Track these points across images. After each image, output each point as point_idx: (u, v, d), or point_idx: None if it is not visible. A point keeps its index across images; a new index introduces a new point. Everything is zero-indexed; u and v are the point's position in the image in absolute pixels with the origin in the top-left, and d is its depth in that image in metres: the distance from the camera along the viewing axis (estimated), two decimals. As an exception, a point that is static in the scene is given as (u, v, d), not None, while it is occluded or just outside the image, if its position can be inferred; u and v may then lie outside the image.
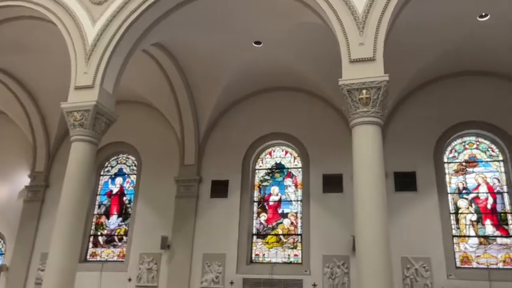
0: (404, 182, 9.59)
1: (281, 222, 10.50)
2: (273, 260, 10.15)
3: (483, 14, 8.05)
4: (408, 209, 9.44)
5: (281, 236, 10.37)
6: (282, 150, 11.19)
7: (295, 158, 11.00)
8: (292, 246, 10.22)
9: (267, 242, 10.42)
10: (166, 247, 10.39)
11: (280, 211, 10.62)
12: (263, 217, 10.67)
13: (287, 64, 9.97)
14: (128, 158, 12.14)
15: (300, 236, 10.19)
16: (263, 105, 11.25)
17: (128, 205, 11.60)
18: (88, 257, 11.31)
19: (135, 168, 11.89)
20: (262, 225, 10.62)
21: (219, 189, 10.77)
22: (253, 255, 10.35)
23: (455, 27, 8.42)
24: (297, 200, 10.56)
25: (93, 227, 11.58)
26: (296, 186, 10.73)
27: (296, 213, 10.47)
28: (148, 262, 10.47)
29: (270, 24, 8.51)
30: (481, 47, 9.01)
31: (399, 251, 9.00)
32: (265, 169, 11.13)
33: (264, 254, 10.32)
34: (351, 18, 6.47)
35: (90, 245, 11.45)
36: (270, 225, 10.56)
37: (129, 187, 11.82)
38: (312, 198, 10.19)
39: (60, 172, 9.50)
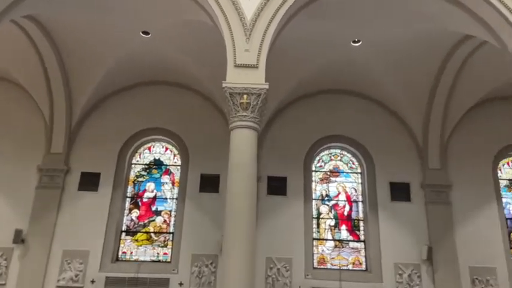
0: (276, 186, 10.15)
1: (153, 220, 10.25)
2: (141, 258, 9.85)
3: (356, 39, 8.93)
4: (277, 212, 10.00)
5: (152, 234, 10.12)
6: (162, 147, 10.95)
7: (175, 156, 10.85)
8: (162, 245, 10.04)
9: (137, 240, 10.07)
10: (20, 241, 9.37)
11: (154, 208, 10.36)
12: (135, 213, 10.29)
13: (174, 59, 9.79)
14: (-18, 139, 10.63)
15: (171, 235, 10.06)
16: (146, 98, 10.88)
17: (-23, 193, 10.16)
18: None
19: (-11, 151, 10.48)
20: (133, 222, 10.23)
21: (89, 181, 10.08)
22: (120, 253, 9.91)
23: (332, 49, 9.17)
24: (173, 198, 10.42)
25: None
26: (173, 184, 10.58)
27: (170, 211, 10.31)
28: (-5, 258, 9.33)
29: (161, 16, 8.27)
30: (352, 69, 9.93)
31: (265, 251, 9.52)
32: (142, 164, 10.76)
33: (132, 252, 9.94)
34: (239, 24, 6.66)
35: None
36: (141, 222, 10.23)
37: (-21, 173, 10.36)
38: (187, 197, 10.15)
39: None
